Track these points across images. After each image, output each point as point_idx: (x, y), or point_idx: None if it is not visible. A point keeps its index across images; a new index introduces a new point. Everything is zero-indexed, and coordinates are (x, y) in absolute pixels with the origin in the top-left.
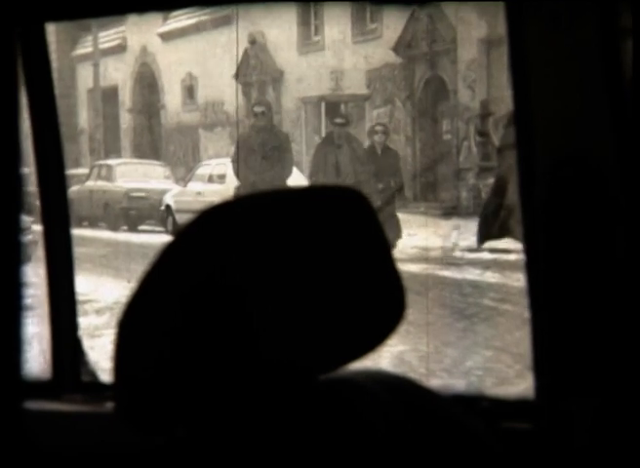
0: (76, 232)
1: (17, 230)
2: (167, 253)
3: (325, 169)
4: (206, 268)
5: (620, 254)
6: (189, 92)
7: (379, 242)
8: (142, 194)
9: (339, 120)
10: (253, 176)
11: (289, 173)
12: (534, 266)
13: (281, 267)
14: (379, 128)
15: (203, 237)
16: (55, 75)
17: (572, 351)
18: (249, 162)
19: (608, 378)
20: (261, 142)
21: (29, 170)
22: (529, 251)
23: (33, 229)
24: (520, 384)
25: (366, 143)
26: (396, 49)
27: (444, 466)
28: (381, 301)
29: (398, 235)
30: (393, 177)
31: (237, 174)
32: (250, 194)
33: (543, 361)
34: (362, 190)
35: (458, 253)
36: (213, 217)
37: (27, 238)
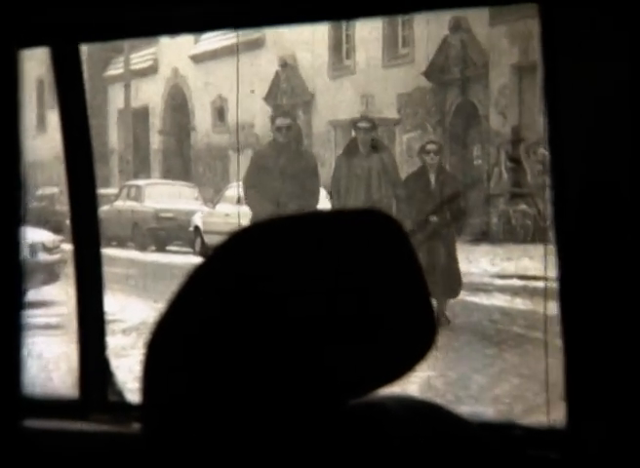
0: (104, 252)
1: (17, 243)
2: (197, 274)
3: (348, 186)
4: (235, 290)
5: None
6: (219, 114)
7: (410, 267)
8: (171, 215)
9: (363, 124)
10: (269, 205)
11: (315, 201)
12: (567, 293)
13: (310, 291)
14: (431, 146)
15: (232, 259)
16: (87, 96)
17: (604, 379)
18: (265, 186)
19: None
20: (284, 163)
21: (61, 189)
22: (562, 277)
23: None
24: (548, 413)
25: (412, 165)
26: (428, 73)
27: None
28: (412, 327)
29: (457, 286)
30: (451, 209)
31: (249, 202)
32: (279, 217)
33: (575, 390)
34: (392, 214)
35: (487, 280)
36: (242, 240)
37: (57, 257)
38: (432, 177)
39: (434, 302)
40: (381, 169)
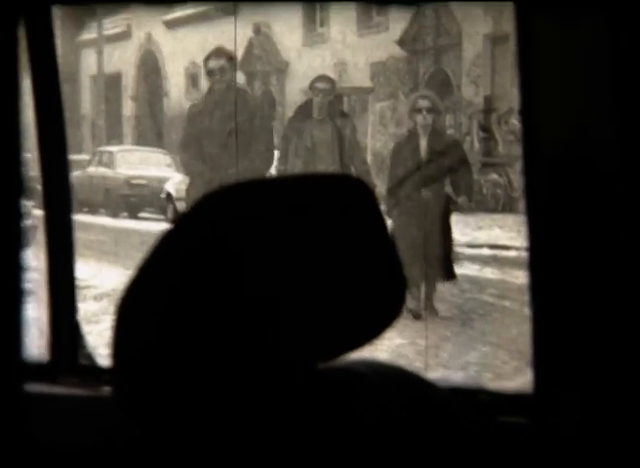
0: (76, 218)
1: (17, 215)
2: (165, 239)
3: (296, 156)
4: (204, 254)
5: (621, 254)
6: (193, 80)
7: (380, 232)
8: (143, 181)
9: (321, 84)
10: (208, 171)
11: (267, 164)
12: (536, 263)
13: (280, 255)
14: (423, 103)
15: (200, 223)
16: (59, 61)
17: (571, 347)
18: (202, 148)
19: (606, 374)
20: (222, 117)
21: (32, 155)
22: (532, 248)
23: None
24: (516, 380)
25: (403, 129)
26: (401, 43)
27: (437, 457)
28: (382, 292)
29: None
30: (453, 181)
31: (185, 167)
32: (248, 181)
33: (542, 356)
34: (365, 181)
35: (457, 249)
36: (210, 204)
37: (28, 222)
38: (423, 144)
39: (423, 288)
40: (338, 139)
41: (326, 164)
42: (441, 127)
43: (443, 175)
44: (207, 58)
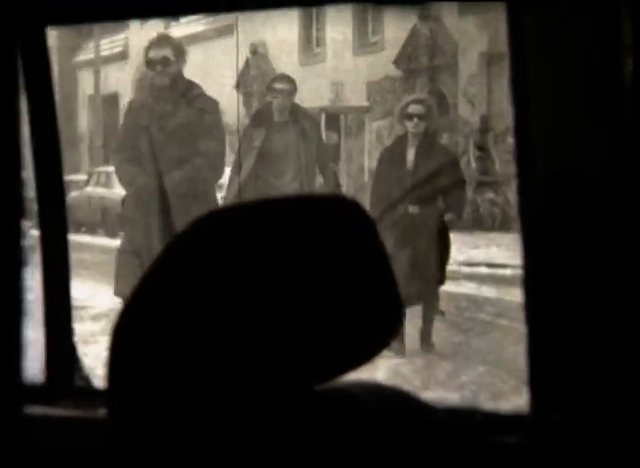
0: (74, 238)
1: (17, 235)
2: (158, 261)
3: (255, 167)
4: (197, 277)
5: (618, 269)
6: None
7: (375, 253)
8: None
9: (280, 85)
10: (147, 179)
11: (217, 173)
12: (531, 280)
13: (274, 278)
14: (415, 108)
15: (193, 245)
16: (55, 81)
17: (567, 366)
18: (139, 153)
19: (603, 393)
20: (164, 116)
21: (28, 175)
22: (527, 265)
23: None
24: (514, 399)
25: (389, 135)
26: (397, 62)
27: None
28: (378, 312)
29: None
30: (445, 194)
31: (119, 174)
32: (243, 202)
33: (539, 375)
34: (358, 201)
35: (454, 267)
36: (204, 225)
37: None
38: (411, 153)
39: (420, 323)
40: (303, 144)
41: (290, 171)
42: (433, 133)
43: (435, 194)
44: (147, 48)
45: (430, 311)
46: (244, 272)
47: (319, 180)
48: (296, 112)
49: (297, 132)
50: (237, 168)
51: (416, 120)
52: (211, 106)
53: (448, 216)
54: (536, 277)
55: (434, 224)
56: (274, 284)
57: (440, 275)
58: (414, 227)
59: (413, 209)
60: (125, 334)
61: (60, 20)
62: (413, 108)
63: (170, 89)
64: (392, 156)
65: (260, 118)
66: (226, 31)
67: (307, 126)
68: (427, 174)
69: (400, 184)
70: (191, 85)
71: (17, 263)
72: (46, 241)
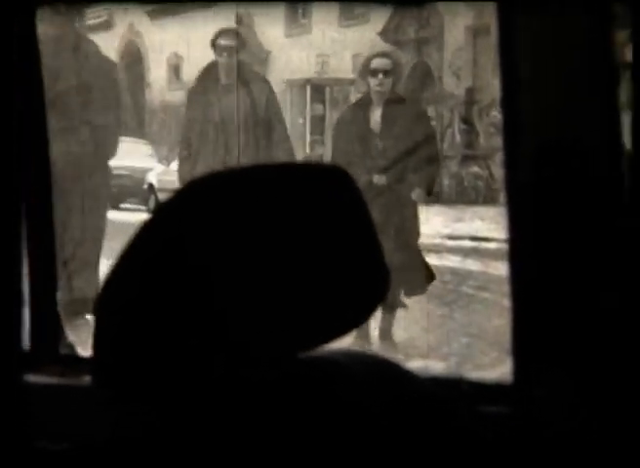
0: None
1: (16, 208)
2: (141, 231)
3: (202, 135)
4: (180, 244)
5: (604, 242)
6: (175, 71)
7: (362, 220)
8: (125, 172)
9: (225, 41)
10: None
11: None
12: (517, 253)
13: (257, 243)
14: (379, 62)
15: (176, 213)
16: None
17: (550, 337)
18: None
19: (585, 363)
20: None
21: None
22: (512, 238)
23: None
24: (496, 370)
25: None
26: (383, 34)
27: (421, 446)
28: (364, 279)
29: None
30: (417, 165)
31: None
32: (229, 169)
33: (522, 346)
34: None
35: (438, 240)
36: (188, 193)
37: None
38: (376, 115)
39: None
40: (251, 109)
41: (240, 143)
42: (401, 93)
43: (402, 160)
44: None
45: (392, 302)
46: (228, 239)
47: (273, 155)
48: (246, 73)
49: (245, 96)
50: (186, 143)
51: (381, 76)
52: (105, 67)
53: (416, 193)
54: (521, 250)
55: (402, 199)
56: (259, 251)
57: (407, 260)
58: (377, 201)
59: (379, 179)
60: (110, 302)
61: (50, 1)
62: (377, 63)
63: (60, 41)
64: (353, 121)
65: (204, 80)
66: (213, 1)
67: (257, 90)
68: (412, 144)
69: (364, 154)
70: (86, 41)
71: (15, 238)
72: (31, 207)
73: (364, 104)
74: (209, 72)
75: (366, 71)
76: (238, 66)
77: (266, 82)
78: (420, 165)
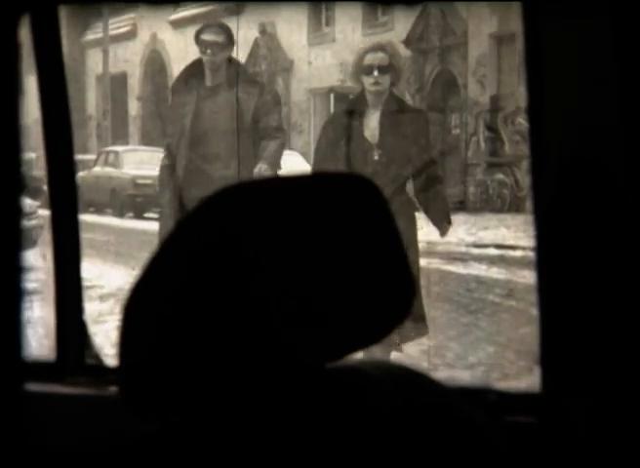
0: (82, 218)
1: (17, 214)
2: (170, 238)
3: (181, 141)
4: (211, 252)
5: (629, 253)
6: None
7: (389, 231)
8: (149, 181)
9: (209, 36)
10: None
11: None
12: (543, 262)
13: (287, 254)
14: (374, 57)
15: (208, 221)
16: (64, 60)
17: (578, 346)
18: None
19: (614, 374)
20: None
21: (39, 154)
22: (539, 247)
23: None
24: (523, 380)
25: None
26: (407, 42)
27: (446, 457)
28: (390, 291)
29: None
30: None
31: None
32: (257, 179)
33: (550, 355)
34: (372, 179)
35: (463, 249)
36: (218, 203)
37: (34, 222)
38: (374, 120)
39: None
40: (238, 113)
41: (222, 155)
42: (402, 95)
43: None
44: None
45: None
46: (261, 249)
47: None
48: (234, 73)
49: (231, 99)
50: (169, 151)
51: (376, 73)
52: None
53: (441, 230)
54: (548, 258)
55: (402, 212)
56: (289, 261)
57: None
58: None
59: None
60: (139, 309)
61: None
62: (371, 58)
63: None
64: (342, 123)
65: (187, 78)
66: (236, 10)
67: (246, 94)
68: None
69: (358, 168)
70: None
71: (17, 240)
72: (57, 220)
73: (358, 105)
74: (188, 72)
75: (359, 69)
76: (227, 64)
77: (256, 85)
78: (424, 189)
